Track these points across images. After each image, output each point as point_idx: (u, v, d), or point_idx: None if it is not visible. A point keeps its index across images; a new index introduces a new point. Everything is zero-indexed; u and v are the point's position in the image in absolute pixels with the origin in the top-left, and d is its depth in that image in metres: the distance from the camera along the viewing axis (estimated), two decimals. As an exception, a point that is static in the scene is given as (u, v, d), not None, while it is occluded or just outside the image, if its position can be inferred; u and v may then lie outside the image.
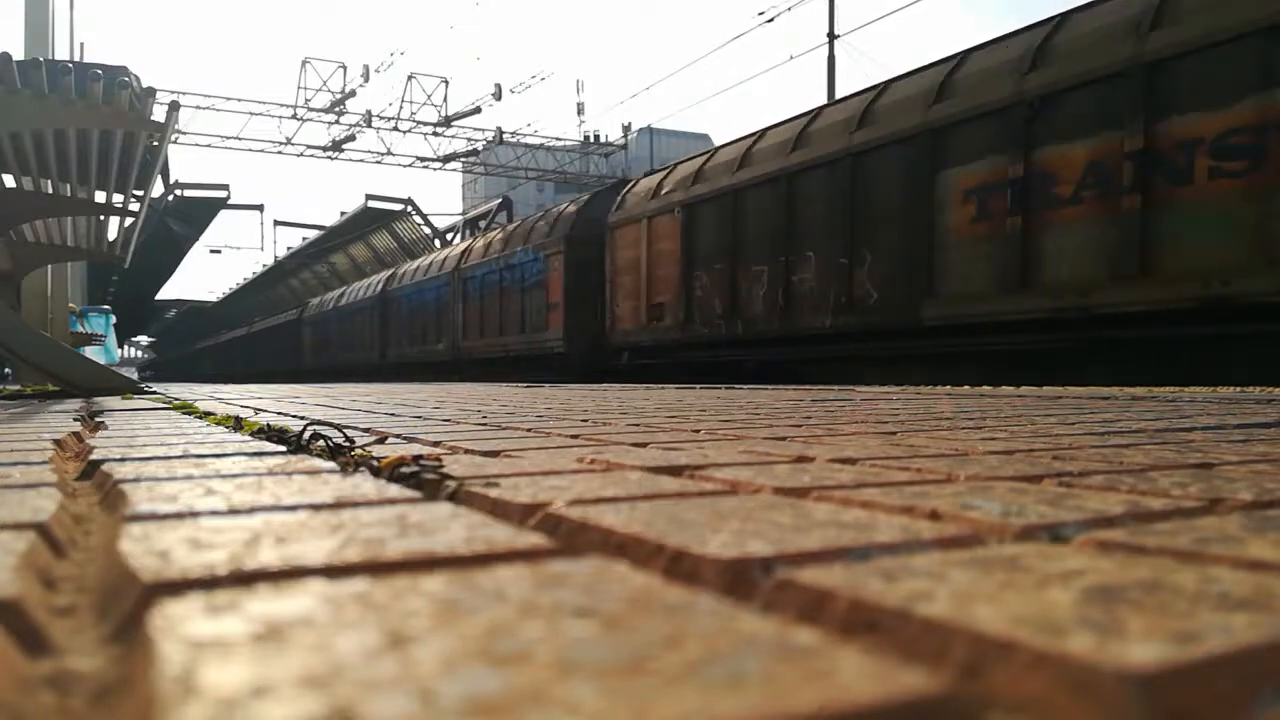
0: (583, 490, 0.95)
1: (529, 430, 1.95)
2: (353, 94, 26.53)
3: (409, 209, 27.87)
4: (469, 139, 28.07)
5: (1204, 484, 0.97)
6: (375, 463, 1.18)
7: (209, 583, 0.56)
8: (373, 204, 27.52)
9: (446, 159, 28.25)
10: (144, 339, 63.50)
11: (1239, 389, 4.26)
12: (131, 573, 0.58)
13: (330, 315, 26.06)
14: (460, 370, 17.26)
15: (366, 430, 1.98)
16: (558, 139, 30.50)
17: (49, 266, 7.78)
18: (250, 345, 35.92)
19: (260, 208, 32.22)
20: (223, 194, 22.93)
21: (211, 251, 39.79)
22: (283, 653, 0.41)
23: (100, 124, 4.40)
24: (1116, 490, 0.93)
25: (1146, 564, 0.58)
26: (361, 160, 28.20)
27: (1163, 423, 2.04)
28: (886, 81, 8.72)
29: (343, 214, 30.43)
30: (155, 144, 4.82)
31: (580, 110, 33.83)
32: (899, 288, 7.95)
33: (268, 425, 1.99)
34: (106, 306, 15.94)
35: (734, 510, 0.80)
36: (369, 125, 26.78)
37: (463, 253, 17.81)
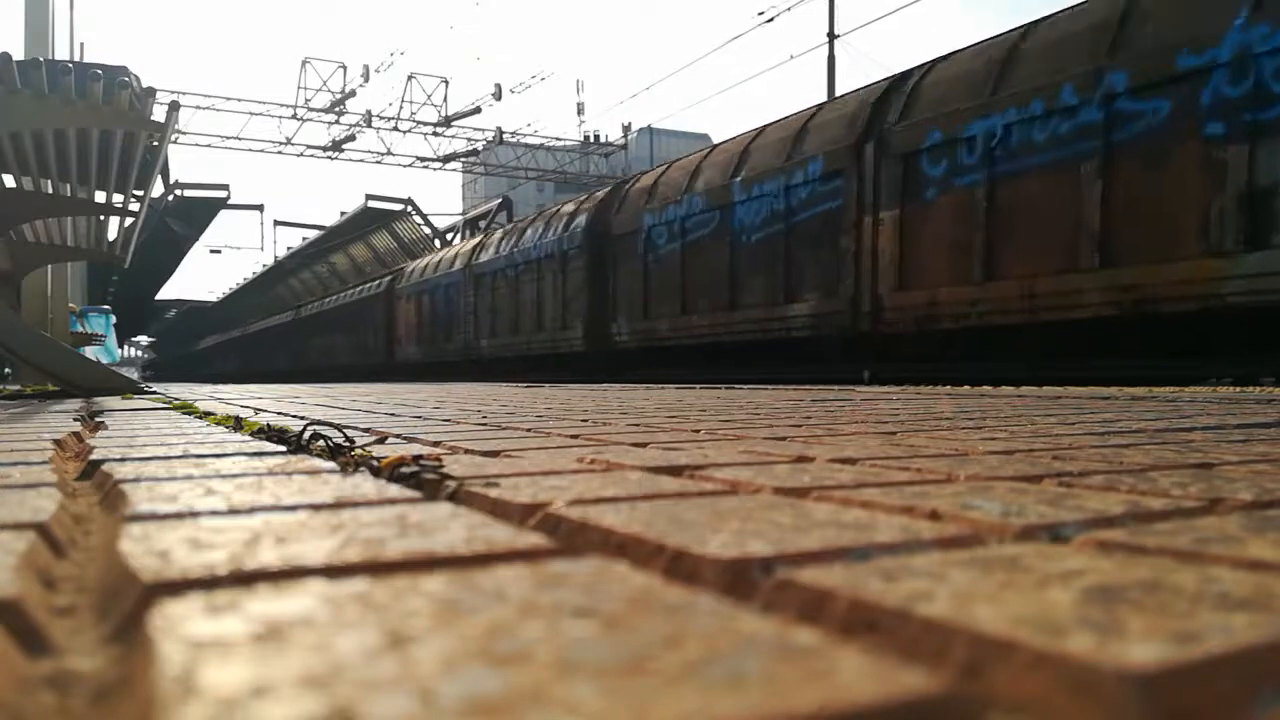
0: (583, 490, 0.95)
1: (529, 430, 1.95)
2: (353, 94, 26.57)
3: (409, 209, 27.85)
4: (469, 139, 28.09)
5: (1204, 484, 0.97)
6: (375, 463, 1.18)
7: (209, 583, 0.56)
8: (373, 204, 27.49)
9: (446, 159, 28.27)
10: (144, 339, 63.45)
11: (1239, 389, 4.26)
12: (131, 573, 0.58)
13: (451, 282, 17.21)
14: (872, 356, 8.19)
15: (366, 430, 1.98)
16: (558, 139, 30.52)
17: (49, 266, 7.78)
18: (294, 336, 28.48)
19: (260, 208, 32.23)
20: (223, 194, 22.90)
21: (211, 251, 39.79)
22: (283, 653, 0.41)
23: (100, 124, 4.40)
24: (1116, 490, 0.93)
25: (1146, 564, 0.58)
26: (361, 160, 28.22)
27: (1163, 423, 2.04)
28: None
29: (343, 214, 30.41)
30: (155, 144, 4.82)
31: (580, 110, 33.88)
32: None
33: (268, 425, 1.99)
34: (106, 306, 15.95)
35: (734, 510, 0.80)
36: (369, 125, 26.80)
37: (879, 100, 8.30)
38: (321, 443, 1.47)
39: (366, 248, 30.79)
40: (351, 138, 27.01)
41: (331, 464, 1.23)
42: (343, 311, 23.68)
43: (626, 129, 31.15)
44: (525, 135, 29.42)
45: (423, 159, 28.20)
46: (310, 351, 26.88)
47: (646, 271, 11.61)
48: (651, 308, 11.56)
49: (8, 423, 2.37)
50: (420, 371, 18.28)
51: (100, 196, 4.74)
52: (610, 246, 12.44)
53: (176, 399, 4.29)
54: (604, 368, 12.51)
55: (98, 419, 2.53)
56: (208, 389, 7.99)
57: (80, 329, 11.01)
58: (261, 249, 38.98)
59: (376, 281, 22.38)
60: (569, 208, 14.03)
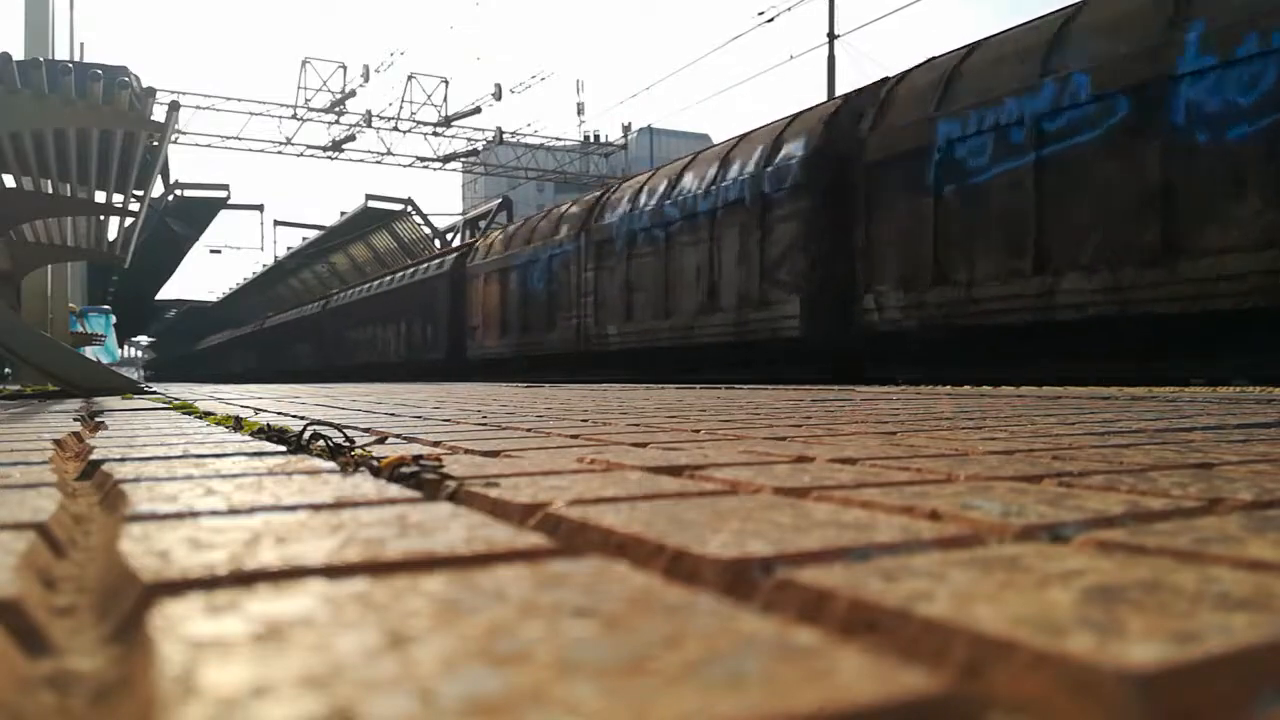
0: (583, 490, 0.95)
1: (529, 430, 1.95)
2: (353, 94, 26.60)
3: (409, 209, 27.86)
4: (469, 139, 28.11)
5: (1204, 484, 0.97)
6: (375, 463, 1.18)
7: (209, 583, 0.56)
8: (373, 204, 27.49)
9: (446, 159, 28.29)
10: (144, 339, 63.35)
11: (1239, 389, 4.26)
12: (131, 573, 0.58)
13: (556, 253, 13.17)
14: None
15: (366, 430, 1.98)
16: (558, 139, 30.54)
17: (49, 266, 7.78)
18: (322, 331, 24.26)
19: (260, 208, 32.24)
20: (223, 194, 22.89)
21: (211, 251, 39.77)
22: (283, 653, 0.41)
23: (100, 124, 4.40)
24: (1116, 490, 0.93)
25: (1146, 564, 0.58)
26: (361, 160, 28.23)
27: (1163, 423, 2.04)
28: None
29: (343, 214, 30.43)
30: (155, 144, 4.82)
31: (580, 110, 33.90)
32: None
33: (268, 425, 1.99)
34: (106, 306, 15.94)
35: (734, 510, 0.80)
36: (369, 125, 26.82)
37: None
38: (321, 443, 1.47)
39: (366, 248, 30.79)
40: (351, 138, 27.03)
41: (331, 464, 1.23)
42: (388, 299, 19.58)
43: (626, 129, 31.17)
44: (525, 135, 29.45)
45: (423, 159, 28.22)
46: (345, 348, 23.51)
47: (940, 210, 7.34)
48: (951, 267, 7.26)
49: (8, 423, 2.37)
50: (506, 369, 14.52)
51: (100, 196, 4.74)
52: (859, 179, 8.16)
53: (176, 399, 4.29)
54: (847, 360, 8.44)
55: (98, 419, 2.53)
56: (207, 389, 7.99)
57: (80, 329, 11.01)
58: (261, 249, 39.01)
59: (437, 260, 18.63)
60: (765, 134, 9.78)
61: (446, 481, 1.04)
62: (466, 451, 1.45)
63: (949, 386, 5.22)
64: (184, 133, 24.61)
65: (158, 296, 38.32)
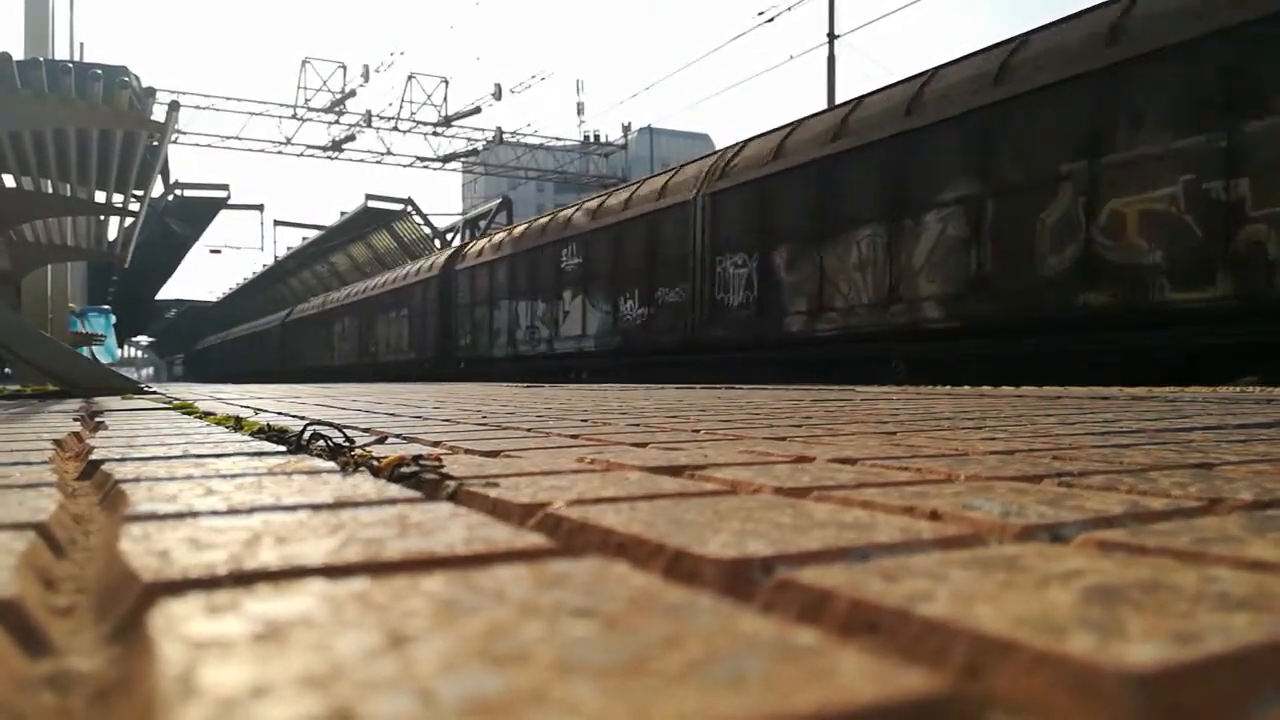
0: (583, 490, 0.95)
1: (529, 430, 1.95)
2: (353, 94, 26.59)
3: (409, 209, 27.86)
4: (469, 139, 28.11)
5: (1204, 484, 0.97)
6: (375, 463, 1.18)
7: (209, 582, 0.56)
8: (373, 204, 27.50)
9: (446, 159, 28.28)
10: (144, 339, 63.17)
11: (1239, 389, 4.25)
12: (131, 572, 0.58)
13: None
14: None
15: (366, 430, 1.98)
16: (558, 139, 30.54)
17: (49, 266, 7.77)
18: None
19: (260, 208, 32.25)
20: (223, 194, 22.92)
21: (211, 251, 39.73)
22: (283, 653, 0.41)
23: (100, 124, 4.40)
24: (1116, 490, 0.93)
25: (1146, 564, 0.58)
26: (361, 160, 28.23)
27: (1163, 423, 2.04)
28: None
29: (343, 214, 30.42)
30: (155, 144, 4.82)
31: (580, 110, 33.86)
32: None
33: (268, 425, 1.99)
34: (106, 306, 15.94)
35: (734, 510, 0.80)
36: (369, 125, 26.81)
37: None
38: (321, 443, 1.47)
39: (366, 248, 30.78)
40: (351, 138, 27.02)
41: (331, 464, 1.23)
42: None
43: (626, 129, 31.18)
44: (525, 135, 29.45)
45: (423, 159, 28.21)
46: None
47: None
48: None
49: (8, 423, 2.37)
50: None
51: (100, 196, 4.74)
52: None
53: (176, 399, 4.29)
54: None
55: (98, 419, 2.53)
56: (207, 389, 7.99)
57: (80, 329, 11.00)
58: (261, 249, 39.04)
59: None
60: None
61: (446, 481, 1.04)
62: (466, 451, 1.45)
63: (948, 386, 5.21)
64: (184, 133, 24.60)
65: (158, 296, 38.34)
